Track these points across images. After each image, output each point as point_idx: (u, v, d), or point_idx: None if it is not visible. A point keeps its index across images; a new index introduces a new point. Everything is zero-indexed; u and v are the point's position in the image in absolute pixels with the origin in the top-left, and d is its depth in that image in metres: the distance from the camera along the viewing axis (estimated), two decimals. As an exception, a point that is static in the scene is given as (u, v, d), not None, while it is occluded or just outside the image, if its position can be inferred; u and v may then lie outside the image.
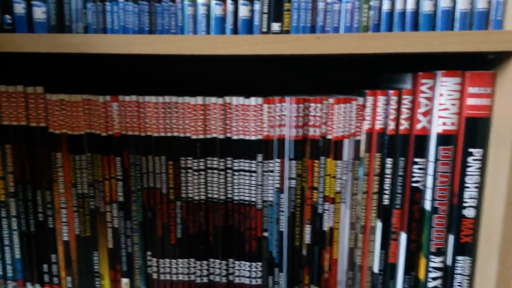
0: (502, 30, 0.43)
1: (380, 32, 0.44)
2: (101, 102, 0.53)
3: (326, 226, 0.53)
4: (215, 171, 0.53)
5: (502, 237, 0.45)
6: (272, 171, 0.52)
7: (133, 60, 0.69)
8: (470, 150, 0.48)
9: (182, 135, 0.53)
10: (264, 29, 0.50)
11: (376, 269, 0.53)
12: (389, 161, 0.50)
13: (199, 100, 0.52)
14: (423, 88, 0.48)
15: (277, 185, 0.52)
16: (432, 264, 0.50)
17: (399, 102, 0.49)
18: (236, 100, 0.52)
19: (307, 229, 0.53)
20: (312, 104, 0.51)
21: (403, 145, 0.50)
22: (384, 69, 0.64)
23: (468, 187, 0.49)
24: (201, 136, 0.52)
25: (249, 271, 0.54)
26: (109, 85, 0.70)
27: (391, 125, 0.50)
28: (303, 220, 0.53)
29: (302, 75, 0.67)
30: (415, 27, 0.47)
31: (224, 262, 0.55)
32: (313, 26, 0.49)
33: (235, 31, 0.51)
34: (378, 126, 0.50)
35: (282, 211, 0.53)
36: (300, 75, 0.67)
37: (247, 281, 0.55)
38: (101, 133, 0.53)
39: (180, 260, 0.55)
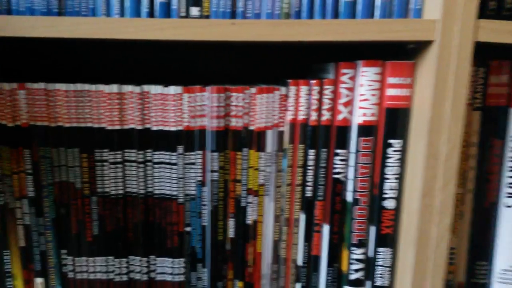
0: (420, 18, 0.43)
1: (296, 19, 0.43)
2: (6, 89, 0.49)
3: (250, 219, 0.51)
4: (134, 164, 0.50)
5: (418, 229, 0.45)
6: (193, 164, 0.50)
7: (64, 44, 0.65)
8: (390, 141, 0.48)
9: (96, 125, 0.49)
10: (183, 13, 0.48)
11: (300, 261, 0.52)
12: (311, 152, 0.49)
13: (114, 88, 0.49)
14: (344, 78, 0.47)
15: (199, 178, 0.50)
16: (354, 256, 0.50)
17: (320, 93, 0.48)
18: (154, 89, 0.49)
19: (231, 222, 0.51)
20: (234, 94, 0.49)
21: (325, 136, 0.49)
22: (325, 59, 0.63)
23: (388, 179, 0.48)
24: (118, 127, 0.49)
25: (171, 267, 0.52)
26: (17, 71, 0.65)
27: (313, 116, 0.48)
28: (227, 214, 0.51)
29: (240, 65, 0.64)
30: (336, 15, 0.46)
31: (145, 259, 0.52)
32: (233, 11, 0.47)
33: (151, 14, 0.48)
34: (301, 116, 0.49)
35: (205, 205, 0.51)
36: (238, 64, 0.64)
37: (169, 278, 0.53)
38: (7, 123, 0.49)
39: (97, 258, 0.52)
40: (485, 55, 0.47)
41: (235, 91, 0.48)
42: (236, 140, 0.49)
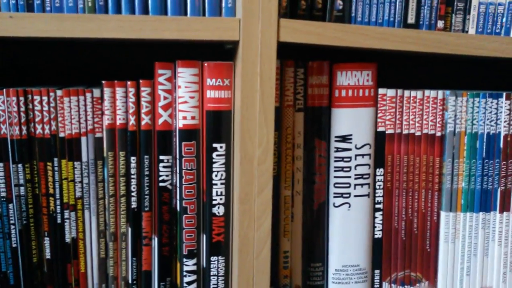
0: (220, 17, 0.41)
1: (87, 14, 0.39)
2: None
3: (68, 237, 0.46)
4: None
5: (239, 235, 0.43)
6: (-4, 178, 0.44)
7: None
8: (214, 145, 0.46)
9: None
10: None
11: (130, 278, 0.48)
12: (133, 159, 0.46)
13: None
14: (161, 79, 0.44)
15: (3, 194, 0.44)
16: (186, 268, 0.47)
17: (137, 95, 0.45)
18: None
19: (46, 242, 0.46)
20: (37, 97, 0.43)
21: (146, 142, 0.45)
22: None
23: (215, 184, 0.46)
24: None
25: (-24, 298, 0.45)
26: None
27: (132, 120, 0.45)
28: (40, 233, 0.46)
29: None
30: (147, 11, 0.43)
31: None
32: (30, 4, 0.42)
33: None
34: (120, 121, 0.45)
35: (13, 224, 0.45)
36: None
37: (-27, 311, 0.45)
38: None
39: None
40: (308, 56, 0.47)
41: (38, 93, 0.43)
42: (43, 149, 0.44)
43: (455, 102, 0.49)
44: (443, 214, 0.51)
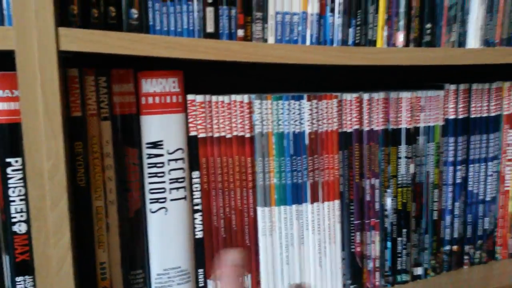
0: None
1: None
2: None
3: None
4: None
5: (36, 255, 0.41)
6: None
7: None
8: (8, 160, 0.43)
9: None
10: None
11: None
12: None
13: None
14: None
15: None
16: (-13, 293, 0.44)
17: None
18: None
19: None
20: None
21: None
22: None
23: (14, 201, 0.44)
24: None
25: None
26: None
27: None
28: None
29: None
30: None
31: None
32: None
33: None
34: None
35: None
36: None
37: None
38: None
39: None
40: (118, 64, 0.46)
41: None
42: None
43: (261, 105, 0.53)
44: (259, 209, 0.54)
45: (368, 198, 0.59)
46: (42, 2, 0.38)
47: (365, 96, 0.57)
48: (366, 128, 0.58)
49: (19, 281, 0.45)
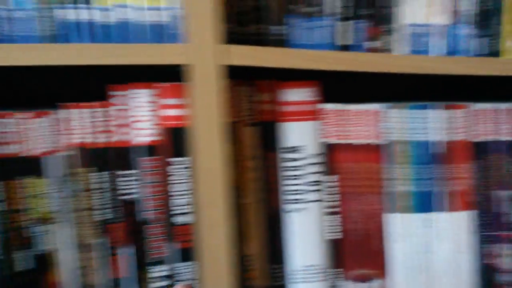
0: (176, 44, 0.46)
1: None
2: None
3: (42, 249, 0.50)
4: None
5: (205, 243, 0.47)
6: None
7: None
8: (175, 159, 0.50)
9: None
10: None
11: (103, 286, 0.51)
12: (95, 176, 0.50)
13: None
14: (116, 100, 0.49)
15: (-20, 212, 0.48)
16: (155, 275, 0.51)
17: (100, 115, 0.49)
18: None
19: (20, 255, 0.49)
20: (8, 120, 0.48)
21: (104, 158, 0.50)
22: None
23: (172, 196, 0.51)
24: None
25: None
26: None
27: (91, 139, 0.49)
28: (13, 246, 0.49)
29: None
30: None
31: None
32: None
33: None
34: (85, 139, 0.49)
35: (-11, 240, 0.48)
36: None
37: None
38: None
39: None
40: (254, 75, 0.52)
41: (10, 115, 0.48)
42: (14, 168, 0.48)
43: (393, 114, 0.55)
44: (390, 215, 0.55)
45: (500, 209, 0.57)
46: (214, 23, 0.44)
47: (502, 106, 0.56)
48: (501, 138, 0.57)
49: (181, 267, 0.51)
